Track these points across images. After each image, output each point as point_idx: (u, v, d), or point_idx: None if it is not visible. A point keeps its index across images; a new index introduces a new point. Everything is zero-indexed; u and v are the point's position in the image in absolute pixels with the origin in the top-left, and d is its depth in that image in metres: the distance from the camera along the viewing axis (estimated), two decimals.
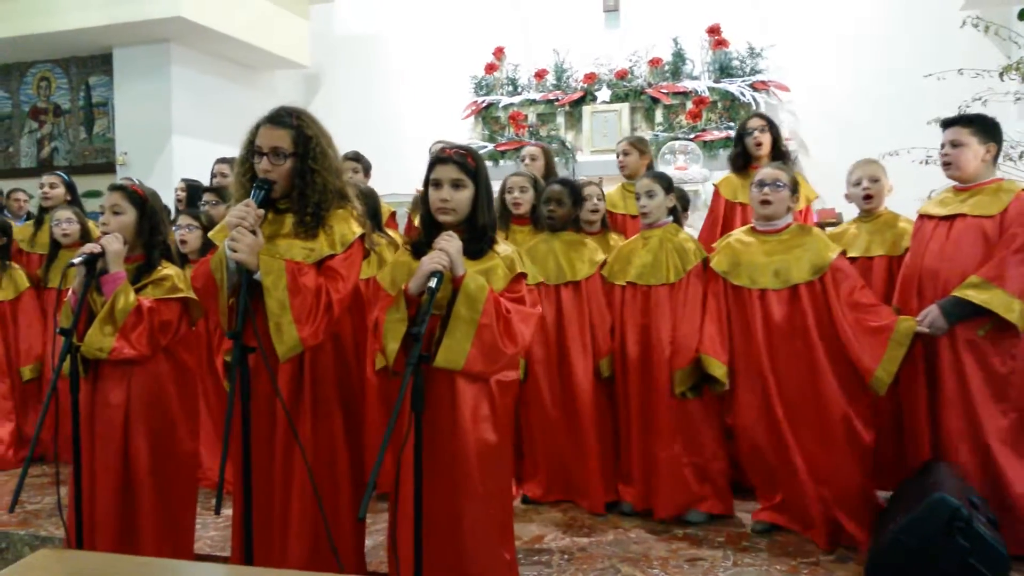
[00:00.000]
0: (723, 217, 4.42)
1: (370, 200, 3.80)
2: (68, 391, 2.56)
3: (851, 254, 3.51)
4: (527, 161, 4.67)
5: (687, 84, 7.90)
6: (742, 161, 4.40)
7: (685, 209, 3.90)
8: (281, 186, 2.42)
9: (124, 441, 2.72)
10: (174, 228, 3.98)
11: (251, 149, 2.43)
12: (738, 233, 3.45)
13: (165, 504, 2.78)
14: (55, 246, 4.50)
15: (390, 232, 4.01)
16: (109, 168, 8.03)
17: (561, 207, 3.71)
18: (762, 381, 3.22)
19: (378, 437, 2.24)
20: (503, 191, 4.00)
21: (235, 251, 2.23)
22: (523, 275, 2.40)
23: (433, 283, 2.12)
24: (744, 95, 7.63)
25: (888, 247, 3.52)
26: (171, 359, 2.82)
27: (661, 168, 7.44)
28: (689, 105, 7.80)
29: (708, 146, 7.47)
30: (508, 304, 2.28)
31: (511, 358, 2.29)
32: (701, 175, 6.97)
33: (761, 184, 3.30)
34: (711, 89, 7.78)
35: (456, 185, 2.34)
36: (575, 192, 3.77)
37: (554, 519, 3.55)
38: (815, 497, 3.14)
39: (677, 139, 7.57)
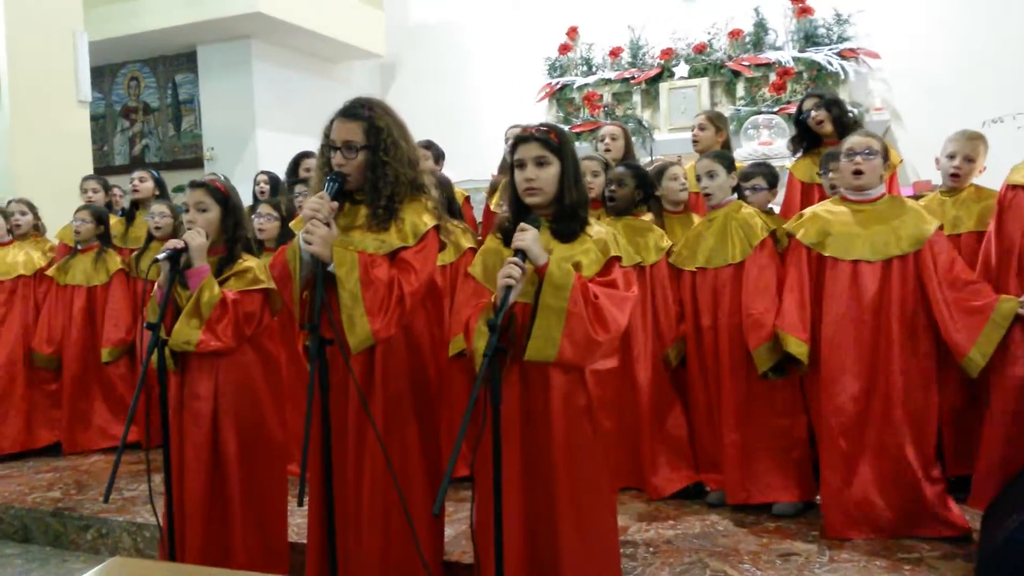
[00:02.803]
0: (799, 201, 4.22)
1: (444, 189, 3.80)
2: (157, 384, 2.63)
3: None
4: (607, 141, 4.52)
5: (770, 55, 7.62)
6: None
7: (773, 186, 3.71)
8: (355, 178, 2.41)
9: (213, 432, 2.77)
10: (253, 216, 4.06)
11: (328, 143, 2.43)
12: (825, 203, 3.25)
13: (256, 494, 2.81)
14: (149, 238, 4.65)
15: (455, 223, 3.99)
16: (197, 163, 8.31)
17: (622, 188, 3.61)
18: (852, 357, 3.02)
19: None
20: None
21: (309, 243, 2.23)
22: (617, 258, 2.31)
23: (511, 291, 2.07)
24: (832, 64, 7.31)
25: (976, 221, 3.38)
26: (256, 349, 2.85)
27: (744, 144, 7.21)
28: (772, 77, 7.53)
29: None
30: (596, 289, 2.20)
31: (605, 346, 2.21)
32: (788, 150, 6.66)
33: (851, 153, 3.10)
34: (796, 59, 7.48)
35: (540, 163, 2.27)
36: (639, 175, 3.67)
37: (637, 509, 3.46)
38: (903, 481, 2.96)
39: (760, 113, 7.29)
